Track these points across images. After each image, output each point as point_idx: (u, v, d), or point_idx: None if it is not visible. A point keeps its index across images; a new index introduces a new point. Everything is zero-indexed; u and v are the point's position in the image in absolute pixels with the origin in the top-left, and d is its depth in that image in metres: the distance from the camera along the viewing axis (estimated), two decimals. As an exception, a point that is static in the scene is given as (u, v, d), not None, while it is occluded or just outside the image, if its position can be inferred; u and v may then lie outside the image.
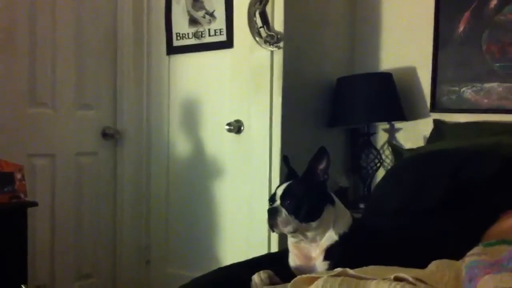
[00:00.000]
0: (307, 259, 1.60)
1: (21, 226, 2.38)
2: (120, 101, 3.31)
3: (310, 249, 1.60)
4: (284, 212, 1.55)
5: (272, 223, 1.56)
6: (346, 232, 1.58)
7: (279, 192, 1.60)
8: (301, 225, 1.55)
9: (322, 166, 1.60)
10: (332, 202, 1.61)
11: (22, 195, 2.41)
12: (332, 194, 1.65)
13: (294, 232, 1.57)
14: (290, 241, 1.64)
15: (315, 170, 1.60)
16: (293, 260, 1.65)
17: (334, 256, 1.54)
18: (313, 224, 1.56)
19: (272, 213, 1.57)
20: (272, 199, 1.62)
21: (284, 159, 1.73)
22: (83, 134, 3.14)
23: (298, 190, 1.58)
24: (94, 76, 3.18)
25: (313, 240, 1.58)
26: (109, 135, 3.26)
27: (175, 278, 2.79)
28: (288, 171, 1.71)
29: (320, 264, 1.56)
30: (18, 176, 2.41)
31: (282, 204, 1.56)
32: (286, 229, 1.56)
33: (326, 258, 1.56)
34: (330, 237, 1.57)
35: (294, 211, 1.54)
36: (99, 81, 3.21)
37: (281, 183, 1.68)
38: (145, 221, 3.31)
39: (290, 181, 1.62)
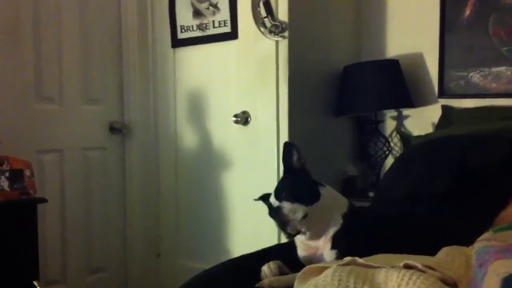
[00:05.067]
0: (315, 249, 1.60)
1: (31, 222, 2.38)
2: (126, 95, 3.31)
3: (316, 241, 1.59)
4: (285, 203, 1.54)
5: (283, 222, 1.53)
6: (347, 213, 1.58)
7: (272, 197, 1.60)
8: (308, 209, 1.53)
9: (295, 157, 1.62)
10: (323, 186, 1.63)
11: (31, 192, 2.41)
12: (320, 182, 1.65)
13: (305, 217, 1.53)
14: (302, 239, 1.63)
15: (291, 164, 1.62)
16: (301, 251, 1.64)
17: (340, 243, 1.54)
18: (318, 204, 1.56)
19: (276, 213, 1.55)
20: (270, 207, 1.60)
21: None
22: (91, 129, 3.15)
23: (288, 182, 1.60)
24: (100, 71, 3.18)
25: (322, 227, 1.57)
26: (117, 129, 3.26)
27: (185, 270, 2.80)
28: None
29: (327, 253, 1.56)
30: (27, 172, 2.42)
31: (279, 198, 1.55)
32: (296, 216, 1.52)
33: (333, 247, 1.55)
34: (336, 220, 1.56)
35: (294, 197, 1.54)
36: (105, 76, 3.22)
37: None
38: (154, 214, 3.32)
39: (277, 185, 1.64)
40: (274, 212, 1.56)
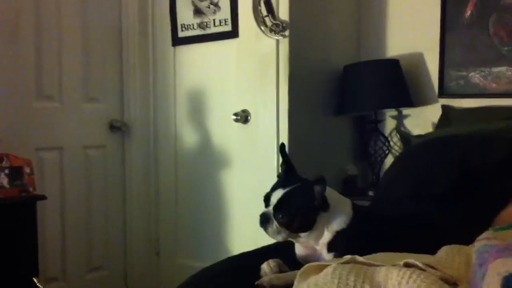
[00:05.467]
0: (313, 249, 1.60)
1: (30, 220, 2.39)
2: (126, 94, 3.31)
3: (312, 245, 1.59)
4: (275, 224, 1.53)
5: (264, 229, 1.56)
6: (344, 228, 1.55)
7: (274, 199, 1.55)
8: (292, 235, 1.55)
9: (320, 190, 1.52)
10: (326, 208, 1.54)
11: (31, 189, 2.42)
12: (328, 193, 1.56)
13: (284, 240, 1.57)
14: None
15: (312, 189, 1.53)
16: (299, 250, 1.64)
17: (337, 248, 1.53)
18: (305, 234, 1.55)
19: (264, 221, 1.55)
20: (266, 201, 1.58)
21: (281, 148, 1.67)
22: (91, 127, 3.15)
23: (292, 205, 1.53)
24: (100, 69, 3.18)
25: (311, 242, 1.57)
26: (117, 128, 3.26)
27: (185, 268, 2.80)
28: (284, 163, 1.65)
29: (325, 254, 1.56)
30: (27, 170, 2.42)
31: (275, 215, 1.53)
32: (277, 238, 1.56)
33: (329, 250, 1.55)
34: (327, 236, 1.55)
35: (286, 226, 1.53)
36: (105, 74, 3.21)
37: (277, 182, 1.61)
38: (154, 213, 3.32)
39: (287, 190, 1.55)
40: (264, 217, 1.56)
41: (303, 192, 1.54)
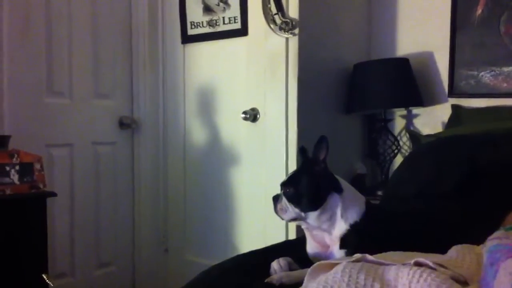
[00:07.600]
0: (324, 247, 1.60)
1: (40, 216, 2.39)
2: (136, 91, 3.32)
3: (324, 238, 1.59)
4: (284, 199, 1.57)
5: (275, 211, 1.60)
6: (358, 221, 1.54)
7: (284, 180, 1.61)
8: (300, 214, 1.55)
9: (322, 154, 1.58)
10: (340, 191, 1.57)
11: (41, 185, 2.42)
12: (342, 182, 1.61)
13: (294, 220, 1.58)
14: (304, 227, 1.65)
15: (317, 159, 1.58)
16: (311, 247, 1.64)
17: (349, 244, 1.52)
18: (314, 213, 1.54)
19: (274, 200, 1.60)
20: (280, 186, 1.63)
21: (301, 151, 1.69)
22: (101, 124, 3.16)
23: (299, 179, 1.58)
24: (110, 66, 3.19)
25: (322, 229, 1.57)
26: (126, 125, 3.27)
27: (193, 265, 2.81)
28: (302, 160, 1.67)
29: (337, 251, 1.56)
30: (37, 166, 2.42)
31: (283, 191, 1.58)
32: (285, 216, 1.58)
33: (341, 247, 1.55)
34: (341, 227, 1.54)
35: (293, 200, 1.55)
36: (115, 71, 3.23)
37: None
38: (163, 210, 3.33)
39: (295, 170, 1.64)
40: (275, 198, 1.60)
41: (310, 166, 1.59)
